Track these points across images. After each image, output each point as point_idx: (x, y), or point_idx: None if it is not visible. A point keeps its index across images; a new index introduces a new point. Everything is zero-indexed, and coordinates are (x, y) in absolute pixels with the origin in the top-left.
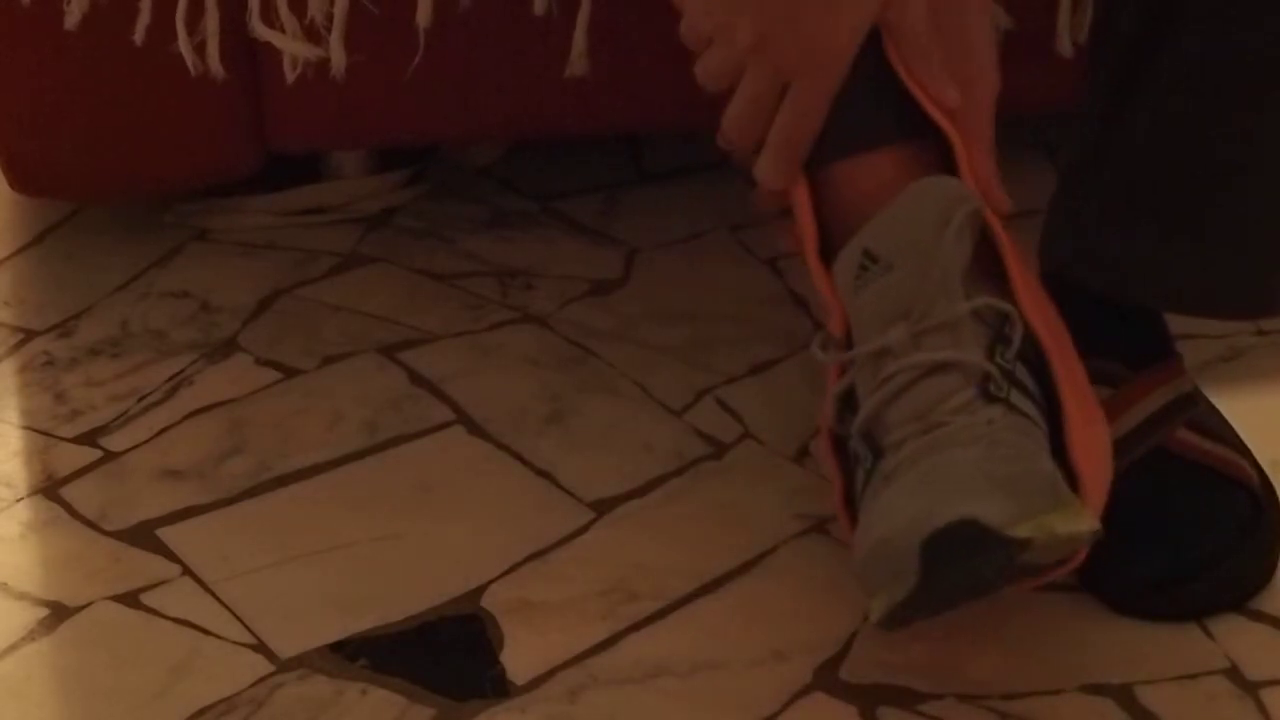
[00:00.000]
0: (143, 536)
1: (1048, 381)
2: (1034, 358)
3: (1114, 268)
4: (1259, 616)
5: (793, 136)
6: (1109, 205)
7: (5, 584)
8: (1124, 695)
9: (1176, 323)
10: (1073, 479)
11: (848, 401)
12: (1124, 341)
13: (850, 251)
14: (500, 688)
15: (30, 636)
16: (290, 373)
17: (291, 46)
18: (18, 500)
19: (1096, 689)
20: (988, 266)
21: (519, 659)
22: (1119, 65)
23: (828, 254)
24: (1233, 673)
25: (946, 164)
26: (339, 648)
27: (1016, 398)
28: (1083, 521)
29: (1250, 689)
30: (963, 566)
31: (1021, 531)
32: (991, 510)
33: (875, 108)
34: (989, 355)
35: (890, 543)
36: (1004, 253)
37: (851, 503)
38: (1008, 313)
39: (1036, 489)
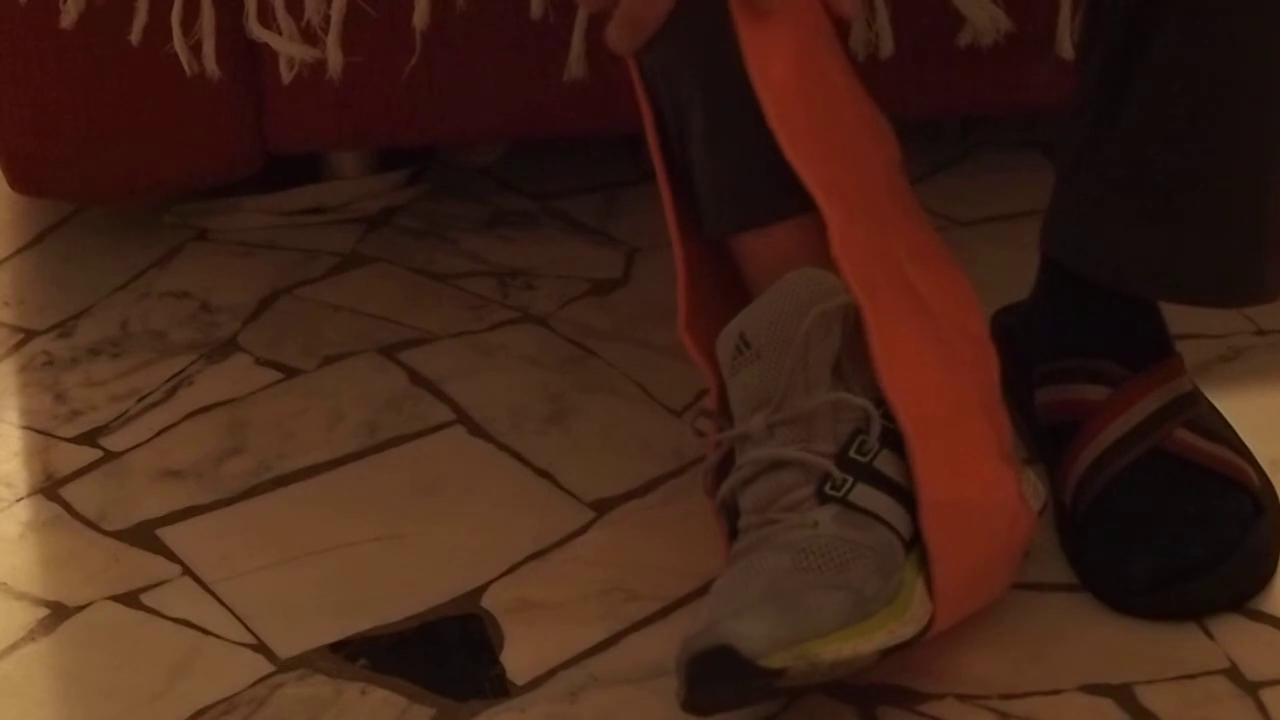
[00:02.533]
0: (143, 536)
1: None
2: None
3: (1110, 257)
4: (1259, 616)
5: (636, 13)
6: (1103, 196)
7: (5, 584)
8: (1124, 695)
9: (1176, 323)
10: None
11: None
12: (1122, 341)
13: (729, 333)
14: (500, 688)
15: (30, 636)
16: (290, 373)
17: (288, 48)
18: (18, 500)
19: (1096, 689)
20: (863, 356)
21: (519, 659)
22: (1109, 60)
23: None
24: (1233, 673)
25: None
26: (339, 648)
27: (860, 493)
28: (868, 642)
29: (1250, 689)
30: (719, 688)
31: (775, 662)
32: (755, 635)
33: (773, 182)
34: (846, 447)
35: (683, 644)
36: (870, 339)
37: None
38: (862, 407)
39: (815, 611)
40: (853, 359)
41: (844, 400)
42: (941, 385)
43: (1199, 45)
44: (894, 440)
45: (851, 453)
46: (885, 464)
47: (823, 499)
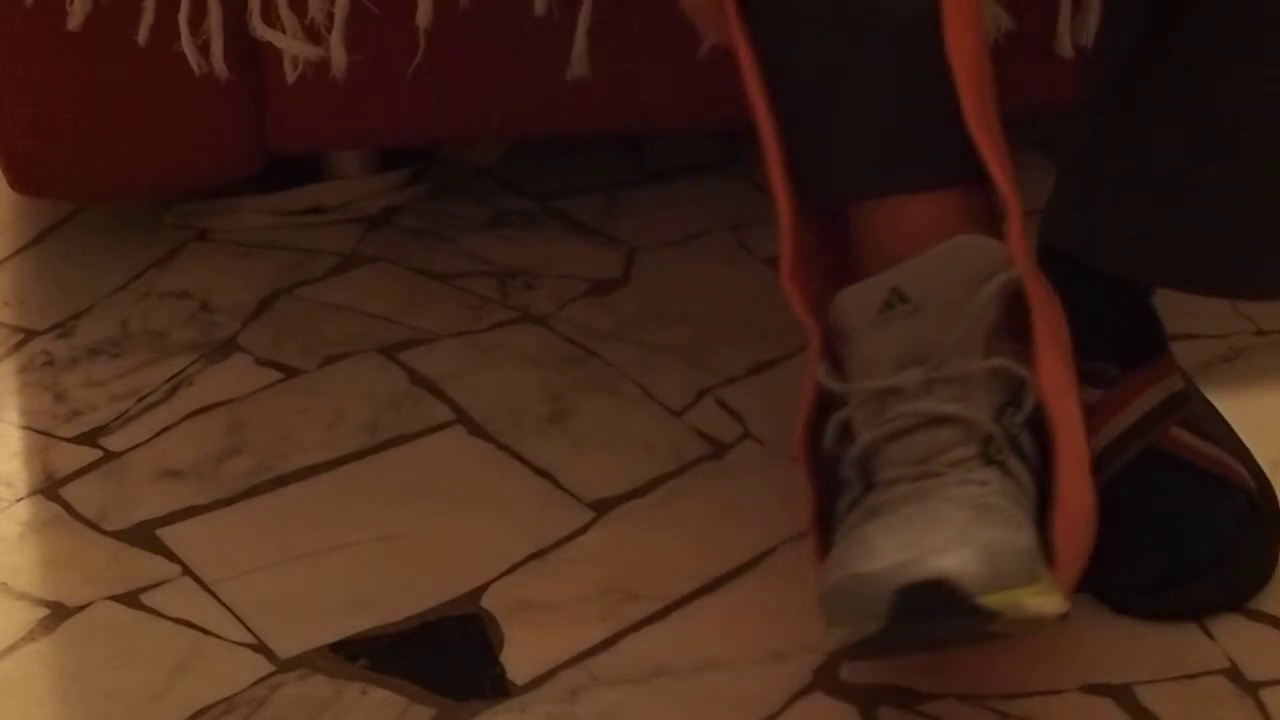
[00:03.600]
0: (143, 536)
1: (1049, 451)
2: (1041, 425)
3: (1123, 246)
4: (1259, 616)
5: None
6: (1115, 185)
7: (5, 584)
8: (1124, 695)
9: (1176, 323)
10: (1050, 553)
11: (845, 429)
12: (1115, 341)
13: (876, 285)
14: (500, 688)
15: (30, 636)
16: (290, 373)
17: (292, 46)
18: (18, 500)
19: (1096, 689)
20: (1012, 330)
21: (519, 659)
22: (1126, 51)
23: (815, 281)
24: (1233, 673)
25: (989, 223)
26: (339, 648)
27: (1014, 464)
28: (1052, 603)
29: (1250, 689)
30: (928, 623)
31: (991, 602)
32: (967, 574)
33: (937, 149)
34: (996, 417)
35: (864, 581)
36: (1035, 323)
37: (827, 523)
38: (1022, 379)
39: (1015, 561)
40: (998, 335)
41: (1007, 369)
42: (1068, 379)
43: (1220, 32)
44: (1032, 420)
45: (1003, 421)
46: (1025, 443)
47: (987, 460)
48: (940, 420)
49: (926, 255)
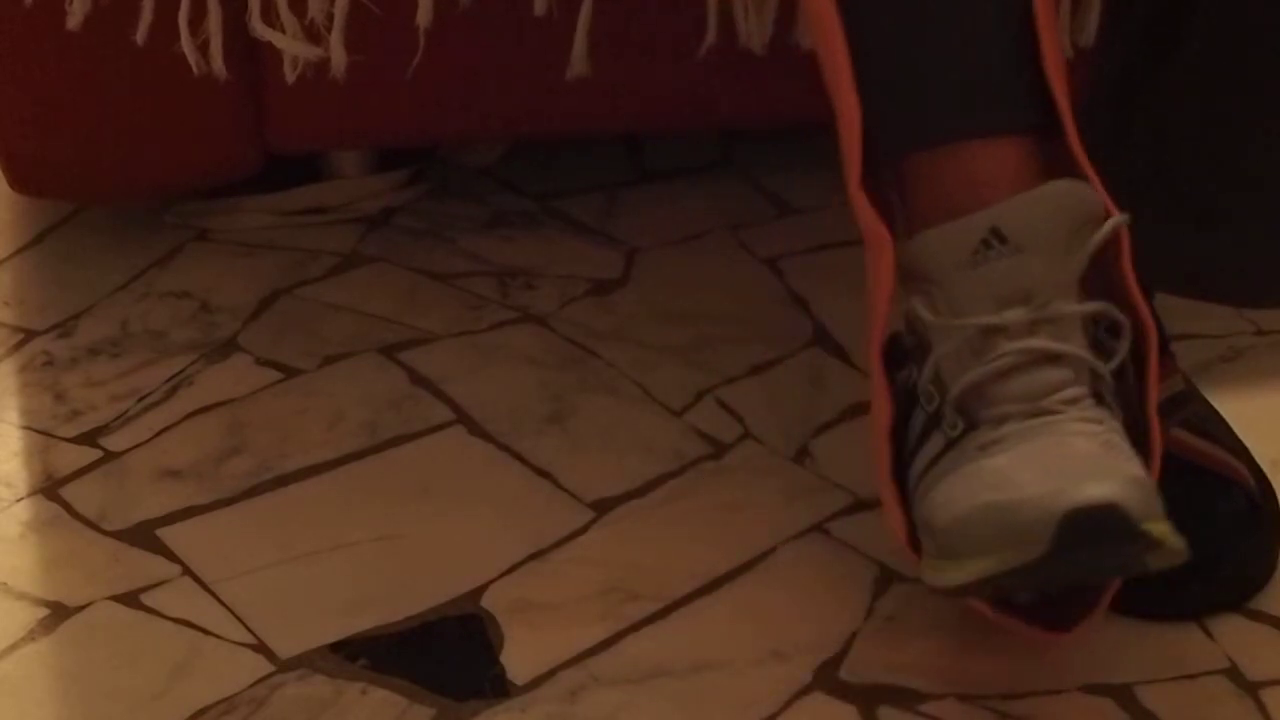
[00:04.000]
0: (143, 536)
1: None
2: (1123, 374)
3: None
4: (1259, 616)
5: None
6: (1116, 193)
7: (5, 584)
8: (1124, 695)
9: (1176, 323)
10: None
11: (937, 374)
12: None
13: (973, 224)
14: (500, 688)
15: (30, 636)
16: (290, 373)
17: (292, 46)
18: (18, 500)
19: (1096, 689)
20: (1093, 276)
21: (519, 659)
22: (1127, 58)
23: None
24: (1233, 673)
25: (1065, 171)
26: (339, 648)
27: (1115, 408)
28: (1181, 541)
29: (1250, 689)
30: (1093, 549)
31: (1155, 530)
32: (1131, 501)
33: (1017, 91)
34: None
35: (1015, 509)
36: (1125, 267)
37: (904, 469)
38: (1122, 325)
39: (1154, 494)
40: (1088, 273)
41: (1109, 312)
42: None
43: (1226, 40)
44: (1120, 370)
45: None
46: (1112, 386)
47: (1099, 401)
48: (1052, 358)
49: (1027, 196)
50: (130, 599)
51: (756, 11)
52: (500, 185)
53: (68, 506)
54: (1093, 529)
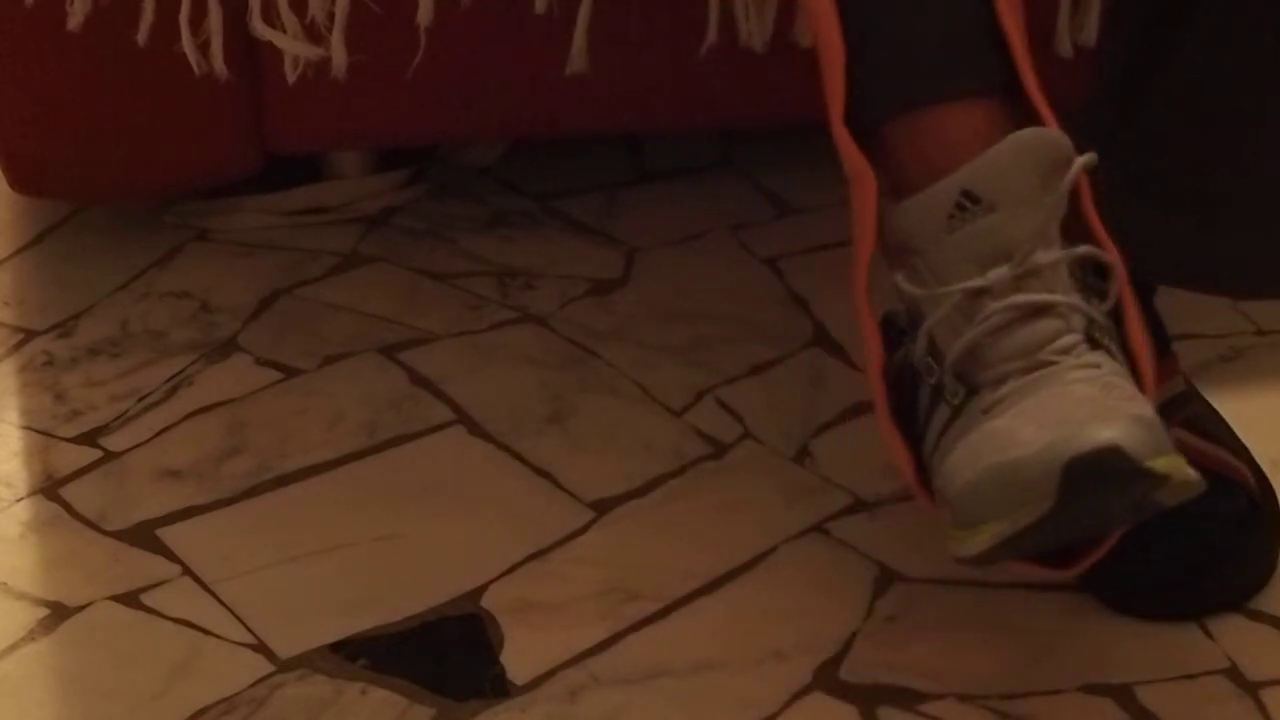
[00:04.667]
0: (143, 536)
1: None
2: (1117, 314)
3: (1124, 246)
4: (1259, 616)
5: None
6: (1120, 186)
7: (5, 584)
8: (1124, 695)
9: (1176, 322)
10: None
11: (932, 345)
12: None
13: (944, 190)
14: (500, 688)
15: (30, 636)
16: (290, 373)
17: (292, 46)
18: (18, 500)
19: (1096, 689)
20: (1069, 219)
21: (519, 659)
22: (1130, 51)
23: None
24: (1233, 673)
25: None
26: (339, 648)
27: (1113, 348)
28: (1194, 472)
29: (1250, 689)
30: (1100, 494)
31: (1160, 466)
32: (1132, 441)
33: (978, 56)
34: (1087, 305)
35: (1020, 467)
36: (1086, 206)
37: (919, 442)
38: (1109, 264)
39: (1160, 431)
40: (1065, 225)
41: (1094, 255)
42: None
43: (1226, 36)
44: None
45: (1094, 308)
46: (1112, 330)
47: (1093, 344)
48: (1039, 310)
49: (993, 152)
50: (130, 599)
51: (757, 11)
52: (500, 185)
53: (68, 506)
54: (1096, 474)
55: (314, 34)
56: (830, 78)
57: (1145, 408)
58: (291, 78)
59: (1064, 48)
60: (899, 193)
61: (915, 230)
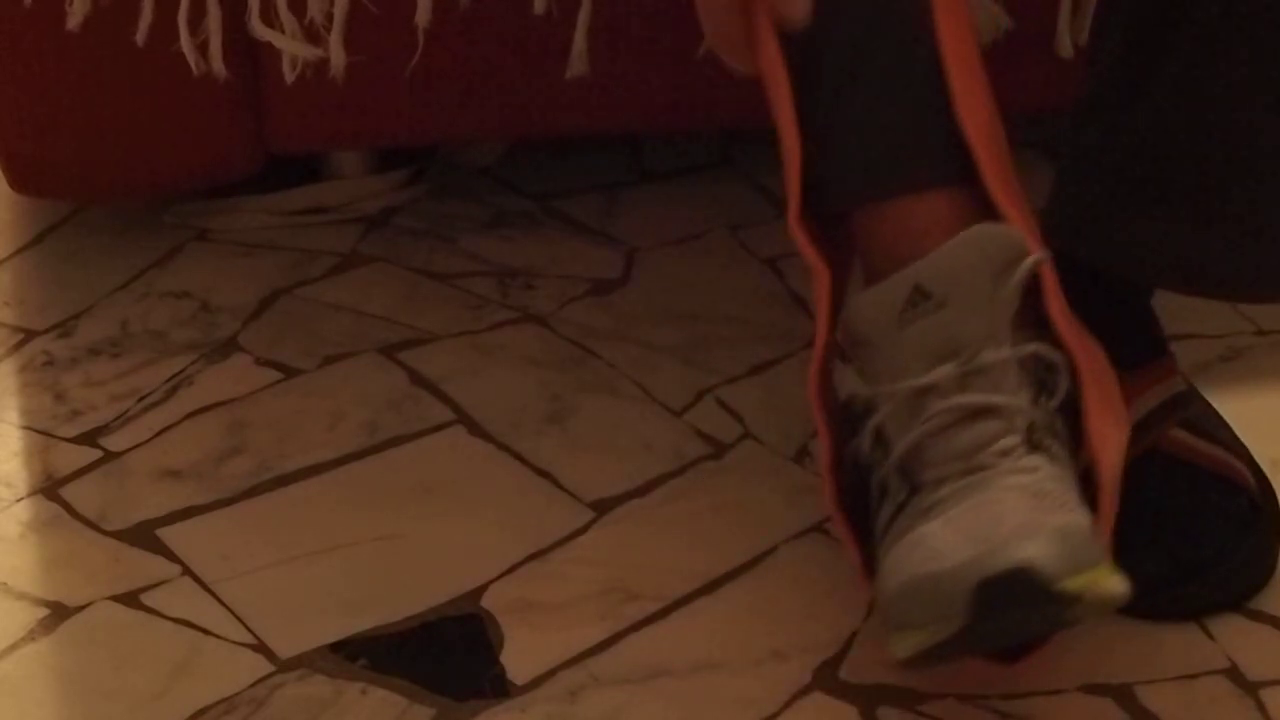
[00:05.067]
0: (143, 536)
1: (1080, 432)
2: (1071, 410)
3: (1121, 249)
4: (1259, 616)
5: None
6: (1116, 188)
7: (5, 584)
8: (1124, 695)
9: (1176, 323)
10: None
11: (878, 433)
12: (1115, 342)
13: (897, 284)
14: (500, 688)
15: (30, 636)
16: (290, 373)
17: (291, 46)
18: (18, 500)
19: (1096, 689)
20: (1027, 313)
21: (519, 659)
22: (1124, 50)
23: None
24: (1233, 673)
25: (994, 217)
26: (339, 648)
27: (1056, 449)
28: (1121, 582)
29: (1250, 689)
30: (1012, 615)
31: (1072, 586)
32: (1047, 560)
33: (941, 147)
34: (1033, 403)
35: (938, 581)
36: (1051, 300)
37: (868, 535)
38: (1056, 362)
39: (1084, 543)
40: (1020, 321)
41: (1043, 354)
42: (1096, 359)
43: (1220, 36)
44: (1064, 405)
45: (1040, 408)
46: (1061, 427)
47: (1032, 447)
48: (981, 412)
49: (944, 249)
50: (130, 599)
51: None
52: (500, 185)
53: (68, 506)
54: (1006, 596)
55: (313, 34)
56: (788, 172)
57: (1074, 515)
58: (290, 78)
59: (1064, 48)
60: (868, 282)
61: (869, 323)
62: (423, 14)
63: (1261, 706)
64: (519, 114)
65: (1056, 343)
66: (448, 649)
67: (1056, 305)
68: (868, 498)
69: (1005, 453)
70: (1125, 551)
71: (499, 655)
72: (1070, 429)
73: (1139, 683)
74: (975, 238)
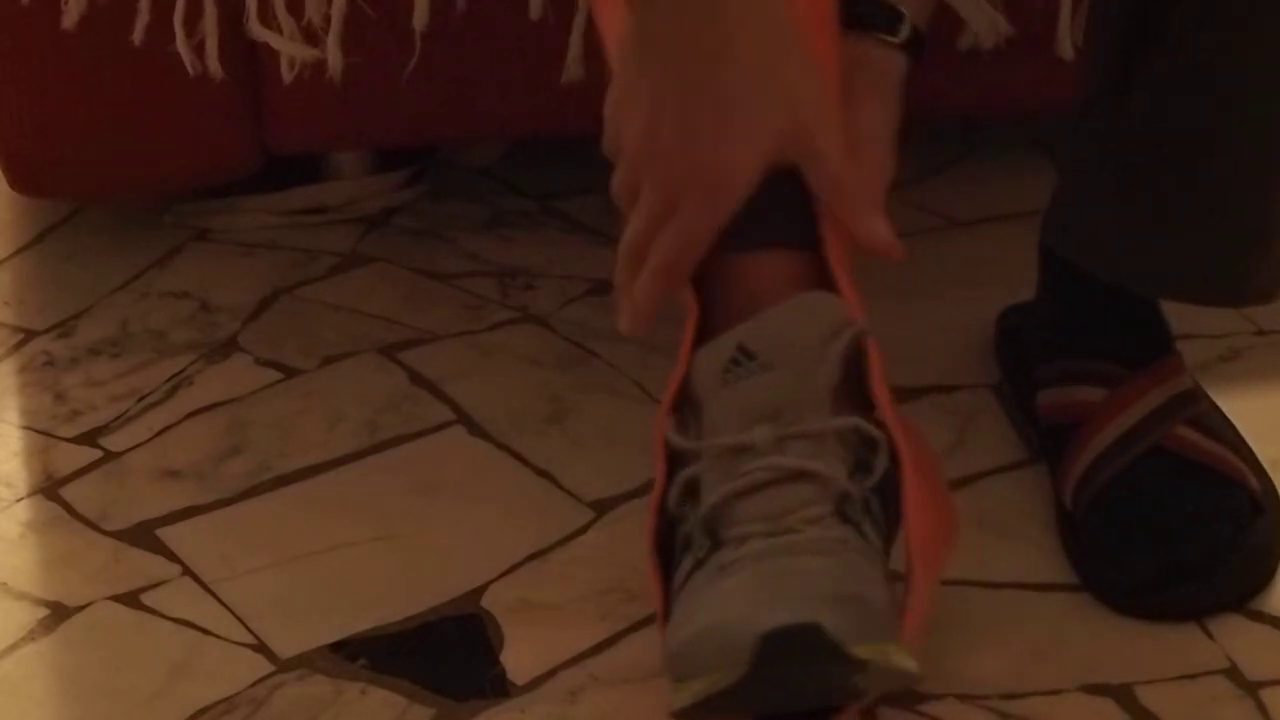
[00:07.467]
0: (143, 536)
1: (896, 512)
2: (888, 490)
3: (1114, 255)
4: (1259, 616)
5: (671, 260)
6: (1108, 194)
7: (5, 584)
8: (1124, 695)
9: (1176, 323)
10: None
11: (690, 487)
12: (1122, 341)
13: (723, 344)
14: (500, 688)
15: (30, 636)
16: (290, 373)
17: (288, 47)
18: (18, 500)
19: (1096, 689)
20: (854, 392)
21: (519, 659)
22: (1119, 52)
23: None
24: (1233, 673)
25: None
26: (339, 648)
27: (867, 527)
28: (913, 663)
29: (1250, 689)
30: (794, 670)
31: (861, 652)
32: (838, 622)
33: (783, 208)
34: (848, 478)
35: (723, 629)
36: (874, 379)
37: (669, 588)
38: (876, 440)
39: (880, 615)
40: (843, 395)
41: (861, 428)
42: (915, 443)
43: (1208, 42)
44: (880, 485)
45: (855, 484)
46: (875, 507)
47: (843, 519)
48: (795, 476)
49: (770, 312)
50: (130, 599)
51: None
52: (500, 185)
53: (68, 506)
54: (791, 649)
55: (311, 36)
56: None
57: (873, 589)
58: (288, 79)
59: (1064, 49)
60: (706, 337)
61: (698, 379)
62: (420, 17)
63: (1261, 706)
64: (519, 114)
65: (879, 423)
66: (448, 649)
67: (879, 383)
68: (674, 549)
69: (814, 520)
70: (1126, 551)
71: (499, 655)
72: (886, 511)
73: (1139, 683)
74: (807, 304)
